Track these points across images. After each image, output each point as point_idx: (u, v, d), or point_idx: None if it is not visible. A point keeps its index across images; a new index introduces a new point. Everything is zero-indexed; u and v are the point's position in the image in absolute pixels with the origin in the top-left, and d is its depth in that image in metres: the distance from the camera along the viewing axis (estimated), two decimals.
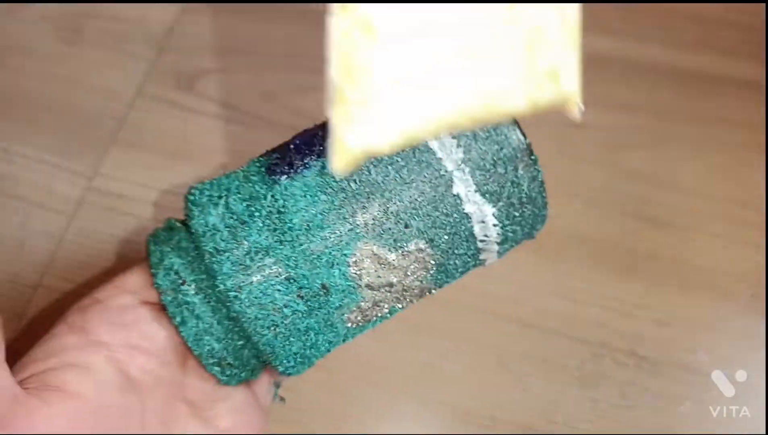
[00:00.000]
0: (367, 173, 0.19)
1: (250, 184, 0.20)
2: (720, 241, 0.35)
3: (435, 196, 0.20)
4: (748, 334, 0.33)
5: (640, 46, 0.42)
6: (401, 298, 0.22)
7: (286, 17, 0.43)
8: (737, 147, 0.38)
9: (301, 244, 0.19)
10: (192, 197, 0.21)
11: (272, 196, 0.20)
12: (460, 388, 0.32)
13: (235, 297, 0.19)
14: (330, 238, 0.19)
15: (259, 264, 0.19)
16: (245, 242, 0.19)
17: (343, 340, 0.22)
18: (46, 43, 0.42)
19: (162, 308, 0.20)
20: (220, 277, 0.19)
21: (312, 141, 0.21)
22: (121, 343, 0.19)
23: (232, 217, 0.19)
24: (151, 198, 0.36)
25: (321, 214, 0.19)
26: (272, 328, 0.19)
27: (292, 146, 0.21)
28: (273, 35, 0.42)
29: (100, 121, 0.39)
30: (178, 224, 0.21)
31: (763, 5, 0.43)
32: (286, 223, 0.19)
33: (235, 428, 0.21)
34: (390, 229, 0.20)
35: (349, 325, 0.21)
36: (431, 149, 0.20)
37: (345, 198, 0.20)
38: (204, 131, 0.39)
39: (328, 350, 0.22)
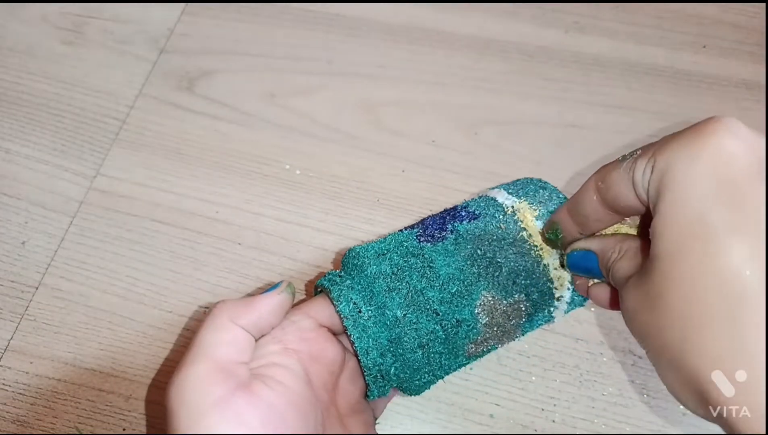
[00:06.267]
0: (489, 249, 0.28)
1: (404, 247, 0.28)
2: None
3: (532, 263, 0.28)
4: None
5: (639, 47, 0.42)
6: (500, 339, 0.28)
7: (286, 17, 0.43)
8: None
9: (445, 288, 0.27)
10: (360, 253, 0.28)
11: (423, 255, 0.27)
12: (460, 387, 0.32)
13: (400, 322, 0.26)
14: (465, 285, 0.27)
15: (417, 300, 0.26)
16: (407, 284, 0.26)
17: (456, 368, 0.28)
18: (47, 43, 0.43)
19: (331, 332, 0.27)
20: (390, 307, 0.26)
21: (443, 221, 0.29)
22: (307, 351, 0.25)
23: (396, 267, 0.27)
24: (151, 198, 0.37)
25: (458, 269, 0.27)
26: (421, 347, 0.26)
27: (429, 223, 0.30)
28: (273, 35, 0.42)
29: (101, 121, 0.40)
30: (342, 274, 0.28)
31: (763, 5, 0.43)
32: (435, 272, 0.27)
33: None
34: (503, 283, 0.27)
35: (466, 355, 0.28)
36: (530, 236, 0.28)
37: (474, 260, 0.27)
38: (204, 131, 0.39)
39: (444, 374, 0.28)
